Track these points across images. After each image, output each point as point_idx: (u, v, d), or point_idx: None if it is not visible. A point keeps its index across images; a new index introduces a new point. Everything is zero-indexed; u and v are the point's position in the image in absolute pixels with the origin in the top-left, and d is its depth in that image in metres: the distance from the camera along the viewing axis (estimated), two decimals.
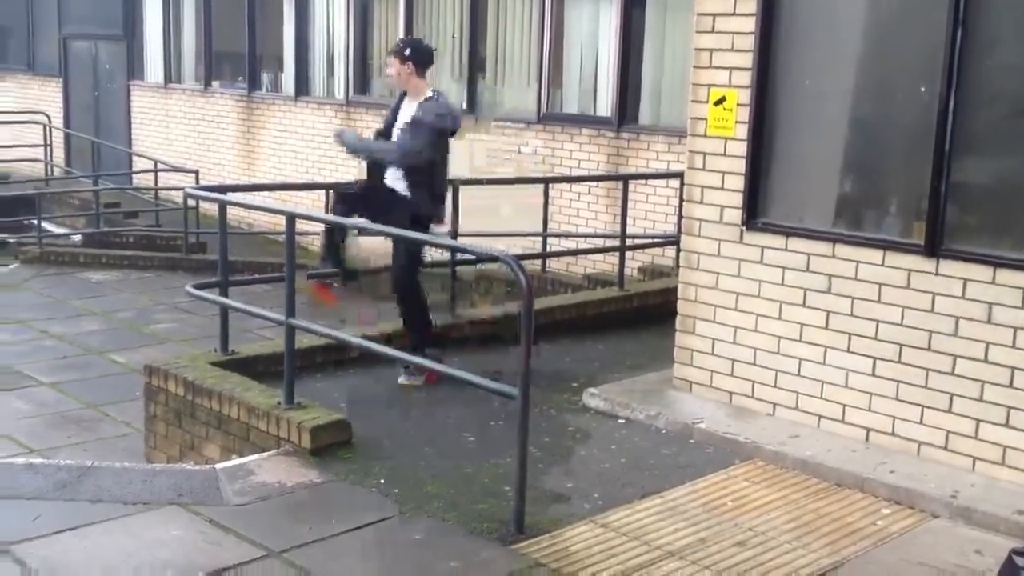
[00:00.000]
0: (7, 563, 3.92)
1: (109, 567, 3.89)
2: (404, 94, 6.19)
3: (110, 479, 4.75)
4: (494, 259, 4.64)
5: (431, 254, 9.40)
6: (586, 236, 10.17)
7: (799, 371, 5.32)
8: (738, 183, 5.49)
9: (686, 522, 4.35)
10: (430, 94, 6.04)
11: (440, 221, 6.30)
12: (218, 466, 4.89)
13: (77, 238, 13.67)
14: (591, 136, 10.68)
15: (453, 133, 6.18)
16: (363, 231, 5.83)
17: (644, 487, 4.70)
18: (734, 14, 5.43)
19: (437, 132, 5.98)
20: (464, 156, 11.67)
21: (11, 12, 19.41)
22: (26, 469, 5.04)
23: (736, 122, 5.47)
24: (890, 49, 5.15)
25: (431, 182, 6.04)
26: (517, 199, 10.78)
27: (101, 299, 10.63)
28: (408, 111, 6.06)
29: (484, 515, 4.36)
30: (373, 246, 6.67)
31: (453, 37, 12.12)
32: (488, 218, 10.65)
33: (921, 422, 4.95)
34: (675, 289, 5.97)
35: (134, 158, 16.10)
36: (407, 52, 6.06)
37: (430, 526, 4.28)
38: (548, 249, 9.79)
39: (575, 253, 9.88)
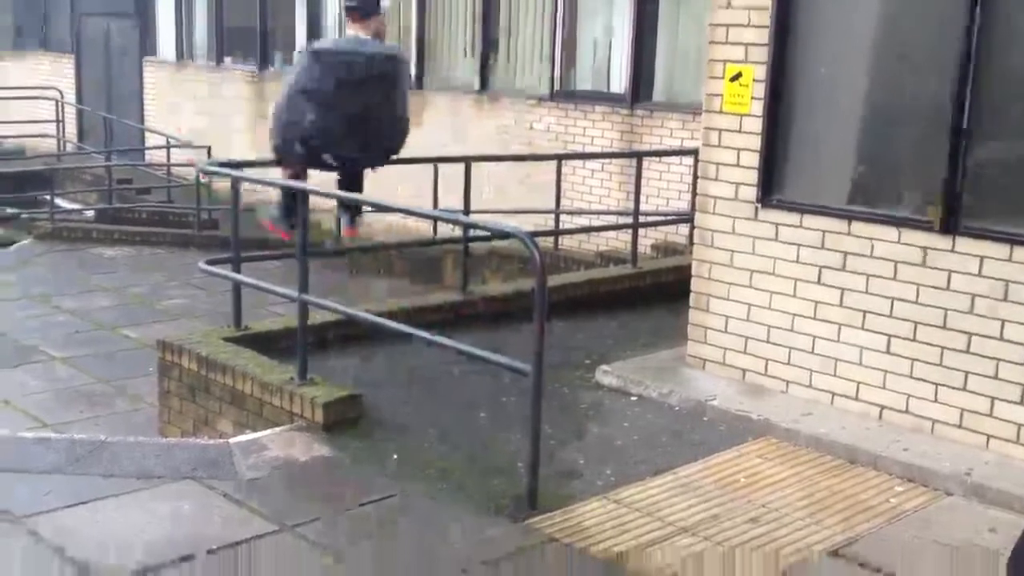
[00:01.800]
0: (22, 535, 3.95)
1: (123, 540, 3.91)
2: None
3: (124, 453, 4.77)
4: (507, 236, 4.63)
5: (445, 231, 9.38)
6: (599, 213, 10.14)
7: (813, 349, 5.30)
8: (753, 160, 5.45)
9: (699, 498, 4.34)
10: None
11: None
12: (232, 441, 4.91)
13: (89, 214, 13.70)
14: (604, 113, 10.62)
15: (355, 77, 6.09)
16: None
17: (657, 464, 4.70)
18: None
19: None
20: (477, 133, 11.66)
21: None
22: (40, 443, 5.06)
23: (752, 98, 5.42)
24: (908, 24, 5.09)
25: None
26: (530, 176, 10.77)
27: (113, 275, 10.66)
28: None
29: (497, 491, 4.36)
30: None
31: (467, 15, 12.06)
32: (499, 195, 10.66)
33: (935, 400, 4.93)
34: (688, 267, 5.94)
35: (146, 134, 16.10)
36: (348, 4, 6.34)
37: (443, 501, 4.29)
38: (561, 226, 9.76)
39: (588, 230, 9.85)
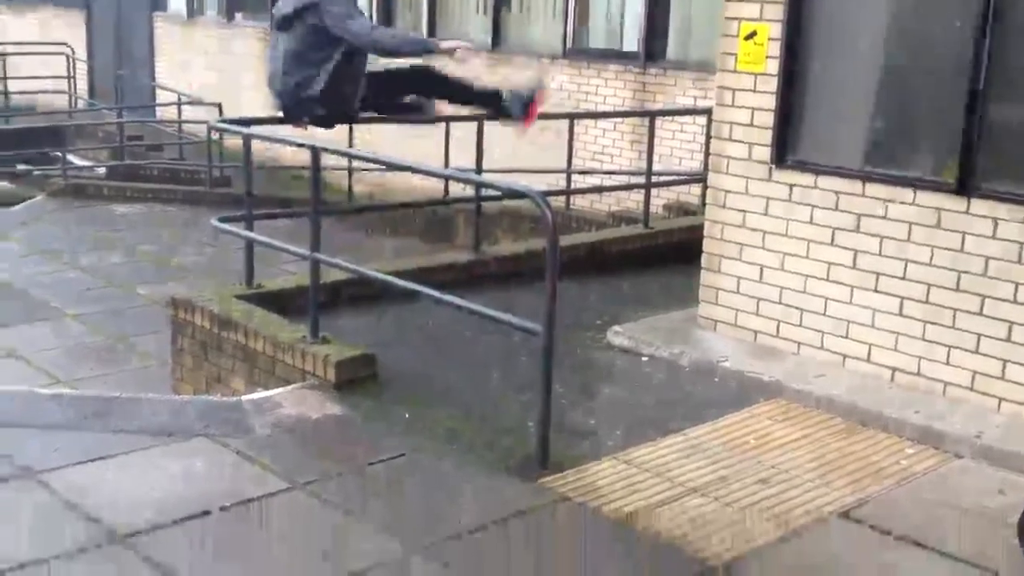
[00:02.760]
0: (36, 489, 3.98)
1: (136, 496, 3.94)
2: None
3: (136, 410, 4.81)
4: (520, 195, 4.61)
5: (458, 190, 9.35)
6: (611, 173, 10.09)
7: (825, 310, 5.28)
8: (768, 120, 5.40)
9: (709, 459, 4.36)
10: None
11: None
12: (244, 398, 4.93)
13: (101, 171, 13.70)
14: (617, 72, 10.54)
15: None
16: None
17: (667, 424, 4.71)
18: None
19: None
20: None
21: None
22: (53, 399, 5.10)
23: (767, 57, 5.37)
24: None
25: None
26: (542, 135, 10.70)
27: (125, 232, 10.69)
28: None
29: (508, 450, 4.38)
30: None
31: None
32: (510, 154, 10.60)
33: (947, 362, 4.92)
34: (701, 227, 5.92)
35: (157, 90, 16.05)
36: None
37: (454, 460, 4.31)
38: (572, 186, 9.72)
39: (600, 190, 9.82)
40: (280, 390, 4.98)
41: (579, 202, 10.19)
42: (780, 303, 5.45)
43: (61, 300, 8.35)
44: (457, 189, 9.74)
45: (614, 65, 10.58)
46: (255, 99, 14.56)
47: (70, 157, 14.28)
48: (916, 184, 4.94)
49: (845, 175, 5.17)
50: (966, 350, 4.85)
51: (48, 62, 16.86)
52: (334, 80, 5.62)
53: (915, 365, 5.02)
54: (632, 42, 10.56)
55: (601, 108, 10.54)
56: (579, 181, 10.05)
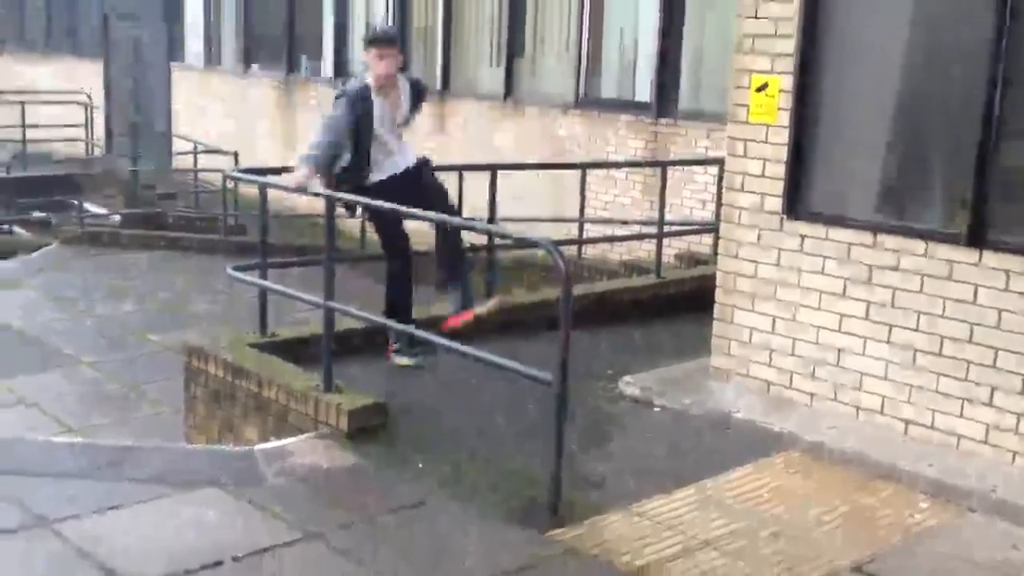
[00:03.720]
0: (50, 539, 3.99)
1: (149, 546, 3.94)
2: (368, 89, 5.73)
3: (150, 459, 4.82)
4: (533, 245, 4.64)
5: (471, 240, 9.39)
6: (623, 222, 10.13)
7: (838, 362, 5.28)
8: (779, 171, 5.44)
9: (721, 512, 4.33)
10: (401, 73, 5.93)
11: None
12: (257, 448, 4.94)
13: (116, 218, 13.82)
14: (629, 122, 10.62)
15: None
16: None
17: (680, 476, 4.69)
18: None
19: None
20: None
21: None
22: (67, 448, 5.13)
23: (778, 109, 5.42)
24: (935, 37, 5.08)
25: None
26: (554, 184, 10.78)
27: (140, 279, 10.75)
28: (406, 100, 5.89)
29: (519, 500, 4.37)
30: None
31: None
32: (522, 203, 10.66)
33: (961, 415, 4.90)
34: (712, 277, 5.93)
35: (174, 139, 16.24)
36: (397, 43, 5.88)
37: (465, 510, 4.30)
38: (584, 235, 9.76)
39: (612, 240, 9.85)
40: (292, 439, 4.99)
41: (590, 251, 10.23)
42: (793, 354, 5.45)
43: (75, 347, 8.40)
44: (470, 237, 9.77)
45: (626, 115, 10.67)
46: (270, 147, 14.77)
47: (86, 205, 14.44)
48: (927, 236, 4.96)
49: (856, 227, 5.19)
50: (980, 403, 4.83)
51: (65, 110, 17.09)
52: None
53: (929, 417, 5.00)
54: (644, 92, 10.66)
55: (613, 158, 10.62)
56: (591, 230, 10.10)
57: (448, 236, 5.98)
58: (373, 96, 5.73)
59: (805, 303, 5.38)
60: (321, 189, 5.64)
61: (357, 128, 5.68)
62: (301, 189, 5.65)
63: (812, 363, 5.38)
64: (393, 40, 5.86)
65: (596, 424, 5.30)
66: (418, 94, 6.01)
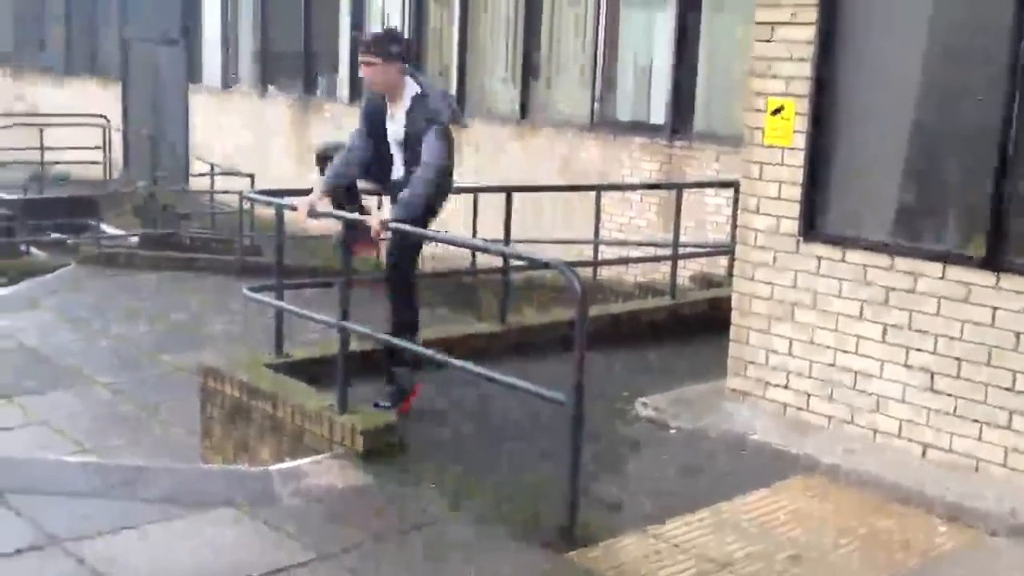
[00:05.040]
0: (65, 559, 3.99)
1: (165, 566, 3.94)
2: (382, 98, 5.41)
3: (165, 479, 4.82)
4: (548, 267, 4.65)
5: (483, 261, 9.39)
6: (638, 244, 10.13)
7: (855, 384, 5.25)
8: (795, 193, 5.44)
9: (739, 535, 4.31)
10: (417, 89, 5.28)
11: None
12: (272, 468, 4.94)
13: (134, 239, 13.89)
14: (644, 144, 10.64)
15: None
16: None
17: (696, 498, 4.66)
18: (793, 23, 5.38)
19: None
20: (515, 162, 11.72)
21: (74, 15, 19.82)
22: (82, 468, 5.14)
23: (794, 132, 5.42)
24: (951, 58, 5.08)
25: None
26: (569, 206, 10.80)
27: (156, 300, 10.78)
28: (402, 118, 5.31)
29: (535, 522, 4.35)
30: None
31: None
32: (537, 224, 10.68)
33: (980, 438, 4.86)
34: (727, 299, 5.92)
35: (191, 160, 16.34)
36: (393, 49, 5.23)
37: (480, 531, 4.29)
38: (599, 257, 9.76)
39: (627, 262, 9.84)
40: (308, 460, 4.99)
41: (605, 273, 10.22)
42: (809, 376, 5.42)
43: (91, 368, 8.42)
44: (484, 257, 9.80)
45: (640, 137, 10.69)
46: (286, 168, 14.85)
47: (103, 226, 14.52)
48: (944, 258, 4.94)
49: (873, 249, 5.18)
50: (999, 426, 4.80)
51: (84, 132, 17.23)
52: None
53: (947, 441, 4.96)
54: (659, 115, 10.68)
55: (627, 180, 10.63)
56: (605, 252, 10.10)
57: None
58: (388, 102, 5.42)
59: (822, 325, 5.36)
60: (323, 209, 5.51)
61: (368, 131, 5.48)
62: (314, 215, 5.50)
63: (829, 385, 5.35)
64: (367, 45, 5.29)
65: (611, 446, 5.28)
66: (425, 114, 5.23)
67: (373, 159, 5.52)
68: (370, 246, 5.86)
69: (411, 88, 5.32)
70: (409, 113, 5.29)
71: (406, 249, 5.55)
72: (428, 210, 5.38)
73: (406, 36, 5.63)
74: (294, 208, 5.59)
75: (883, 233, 5.21)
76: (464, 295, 10.39)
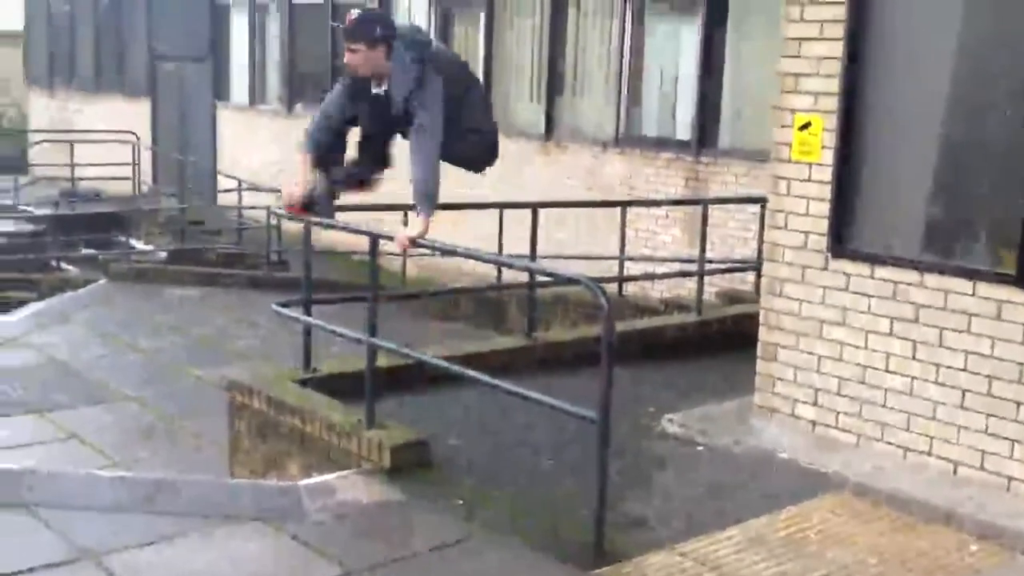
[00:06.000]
0: (94, 571, 4.02)
1: None
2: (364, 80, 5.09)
3: (194, 493, 4.85)
4: (575, 282, 4.65)
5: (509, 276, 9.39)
6: (664, 260, 10.12)
7: (885, 402, 5.21)
8: (823, 209, 5.42)
9: (768, 554, 4.28)
10: (399, 62, 4.95)
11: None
12: (300, 483, 4.95)
13: (163, 255, 14.02)
14: (669, 160, 10.64)
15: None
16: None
17: (724, 516, 4.64)
18: (820, 39, 5.37)
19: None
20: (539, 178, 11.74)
21: (104, 34, 20.07)
22: (111, 481, 5.17)
23: (821, 147, 5.41)
24: (980, 72, 5.05)
25: None
26: (594, 221, 10.80)
27: (185, 315, 10.87)
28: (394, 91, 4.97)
29: (562, 538, 4.35)
30: None
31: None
32: (563, 240, 10.68)
33: (1011, 456, 4.81)
34: (754, 315, 5.90)
35: (219, 177, 16.47)
36: (378, 32, 4.92)
37: (508, 548, 4.28)
38: (624, 273, 9.75)
39: (653, 277, 9.83)
40: (335, 475, 5.00)
41: (631, 289, 10.21)
42: (839, 394, 5.39)
43: (120, 382, 8.49)
44: (509, 273, 9.81)
45: (666, 153, 10.69)
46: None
47: (132, 241, 14.66)
48: (975, 275, 4.90)
49: (902, 265, 5.14)
50: None
51: (114, 148, 17.42)
52: None
53: (978, 459, 4.91)
54: (684, 130, 10.68)
55: (652, 196, 10.62)
56: (631, 268, 10.09)
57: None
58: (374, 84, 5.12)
59: (851, 342, 5.33)
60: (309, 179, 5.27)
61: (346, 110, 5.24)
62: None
63: (858, 403, 5.31)
64: (350, 33, 5.00)
65: (639, 462, 5.27)
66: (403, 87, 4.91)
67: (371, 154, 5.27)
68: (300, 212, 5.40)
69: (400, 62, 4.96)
70: (392, 89, 4.97)
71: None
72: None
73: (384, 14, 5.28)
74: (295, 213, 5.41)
75: (912, 249, 5.18)
76: (490, 311, 10.41)
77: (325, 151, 5.33)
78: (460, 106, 5.08)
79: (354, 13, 5.08)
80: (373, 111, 5.13)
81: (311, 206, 5.38)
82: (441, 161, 5.08)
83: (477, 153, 5.38)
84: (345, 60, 5.08)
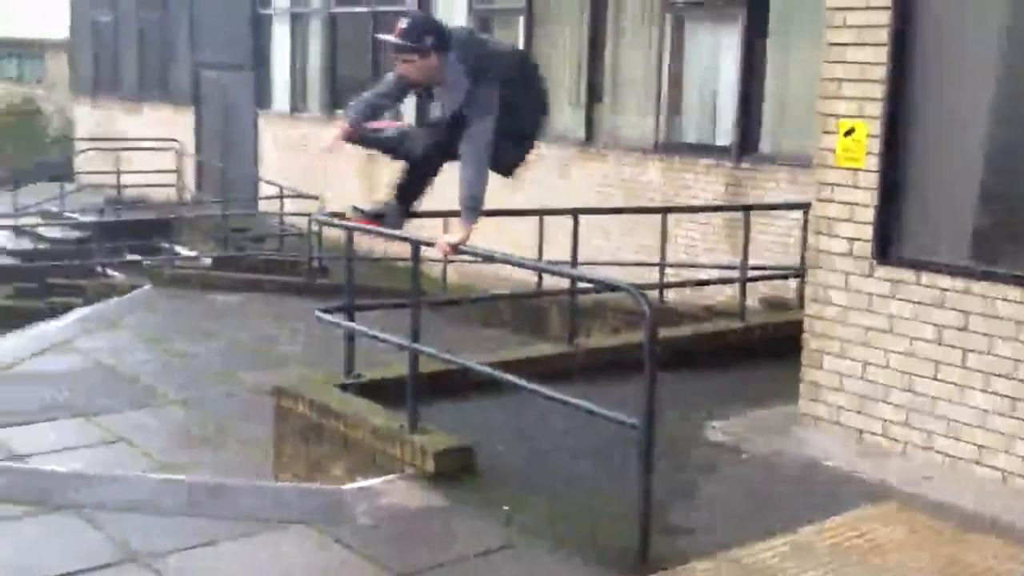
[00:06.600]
0: (146, 574, 4.07)
1: None
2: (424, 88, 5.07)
3: (241, 496, 4.90)
4: (617, 289, 4.65)
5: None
6: (705, 267, 10.07)
7: (933, 410, 5.15)
8: (868, 215, 5.38)
9: (815, 562, 4.24)
10: (452, 73, 4.86)
11: None
12: (344, 487, 4.99)
13: (206, 261, 14.18)
14: (709, 166, 10.60)
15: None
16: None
17: (769, 524, 4.60)
18: (864, 44, 5.34)
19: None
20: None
21: (148, 43, 20.35)
22: (159, 484, 5.24)
23: (866, 153, 5.36)
24: None
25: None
26: (635, 228, 10.78)
27: (228, 320, 10.99)
28: (447, 99, 4.93)
29: (606, 545, 4.34)
30: None
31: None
32: (603, 247, 10.66)
33: None
34: (798, 322, 5.86)
35: (261, 184, 16.63)
36: (428, 40, 4.82)
37: (552, 555, 4.28)
38: (665, 279, 9.71)
39: (695, 284, 9.79)
40: (379, 480, 5.03)
41: (672, 296, 10.17)
42: (885, 401, 5.34)
43: (166, 386, 8.60)
44: (549, 279, 9.82)
45: (706, 159, 10.65)
46: (353, 190, 15.02)
47: (176, 248, 14.85)
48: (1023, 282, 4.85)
49: (949, 272, 5.09)
50: None
51: (157, 156, 17.66)
52: None
53: None
54: (725, 136, 10.63)
55: (692, 202, 10.58)
56: (672, 274, 10.05)
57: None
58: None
59: (898, 350, 5.28)
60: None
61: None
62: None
63: (906, 411, 5.26)
64: (399, 47, 4.90)
65: (683, 470, 5.24)
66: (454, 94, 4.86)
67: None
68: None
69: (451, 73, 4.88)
70: (446, 97, 4.94)
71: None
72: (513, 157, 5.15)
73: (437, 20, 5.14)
74: (353, 221, 5.45)
75: (960, 256, 5.12)
76: (530, 317, 10.42)
77: (409, 180, 5.31)
78: (514, 110, 5.01)
79: (403, 22, 4.96)
80: (431, 126, 5.14)
81: (379, 217, 5.41)
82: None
83: (517, 159, 5.34)
84: (398, 71, 5.03)
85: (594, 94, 11.98)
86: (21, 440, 7.20)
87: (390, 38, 4.91)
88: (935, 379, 5.14)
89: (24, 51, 33.47)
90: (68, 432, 7.51)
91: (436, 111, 5.18)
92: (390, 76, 5.21)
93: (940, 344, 5.12)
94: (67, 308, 11.83)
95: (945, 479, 4.98)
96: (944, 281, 5.10)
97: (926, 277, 5.17)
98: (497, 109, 4.90)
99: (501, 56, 5.11)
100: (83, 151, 19.55)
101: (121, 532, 4.42)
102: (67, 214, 17.00)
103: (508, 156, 5.20)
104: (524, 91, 5.11)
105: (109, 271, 14.13)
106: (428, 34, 4.87)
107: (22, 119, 28.06)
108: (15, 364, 9.10)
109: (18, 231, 16.17)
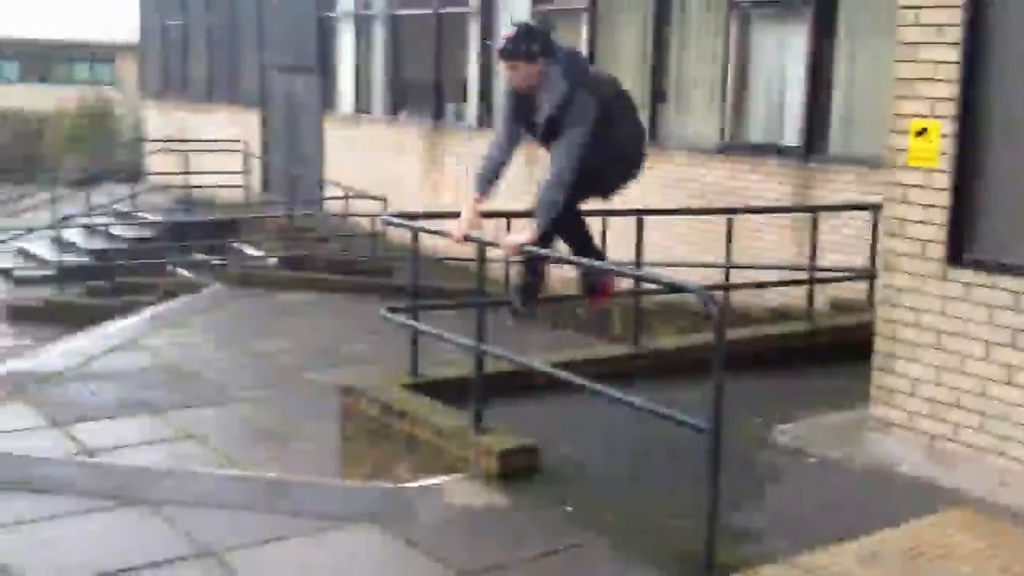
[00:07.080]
0: (217, 569, 4.15)
1: None
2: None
3: (308, 494, 4.97)
4: (684, 290, 4.62)
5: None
6: (772, 268, 9.95)
7: (1008, 416, 5.04)
8: (941, 217, 5.28)
9: (885, 569, 4.17)
10: (553, 75, 4.98)
11: None
12: (410, 485, 5.03)
13: (273, 261, 14.38)
14: (776, 167, 10.47)
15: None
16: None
17: (838, 530, 4.54)
18: (937, 42, 5.24)
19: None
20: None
21: (216, 46, 20.72)
22: (229, 480, 5.34)
23: (939, 153, 5.27)
24: None
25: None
26: (699, 229, 10.70)
27: (295, 320, 11.13)
28: (545, 100, 5.01)
29: (672, 548, 4.32)
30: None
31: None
32: (667, 247, 10.59)
33: None
34: (867, 325, 5.78)
35: (326, 185, 16.83)
36: (534, 47, 4.96)
37: (617, 557, 4.27)
38: (730, 280, 9.62)
39: (762, 285, 9.68)
40: (445, 478, 5.06)
41: (737, 297, 10.06)
42: (959, 407, 5.24)
43: (234, 384, 8.73)
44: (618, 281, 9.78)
45: (772, 160, 10.53)
46: (416, 191, 15.15)
47: (244, 248, 15.09)
48: None
49: None
50: None
51: (225, 157, 17.95)
52: None
53: None
54: (792, 136, 10.50)
55: (758, 203, 10.46)
56: (738, 276, 9.95)
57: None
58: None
59: (971, 353, 5.17)
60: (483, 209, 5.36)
61: (513, 132, 5.29)
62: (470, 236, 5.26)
63: (979, 416, 5.15)
64: (506, 53, 5.03)
65: (750, 474, 5.20)
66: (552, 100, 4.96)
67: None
68: (609, 298, 5.76)
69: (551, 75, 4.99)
70: (545, 102, 5.02)
71: (544, 239, 5.27)
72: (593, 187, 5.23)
73: (542, 26, 5.21)
74: (449, 234, 5.42)
75: None
76: (594, 318, 10.40)
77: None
78: (610, 131, 5.08)
79: (512, 29, 5.08)
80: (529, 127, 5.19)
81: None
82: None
83: (612, 180, 5.37)
84: (507, 80, 5.18)
85: (658, 94, 11.92)
86: (94, 436, 7.36)
87: (499, 42, 5.10)
88: (1009, 384, 5.03)
89: (95, 55, 34.34)
90: (140, 428, 7.66)
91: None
92: (500, 129, 5.31)
93: (1015, 348, 5.01)
94: (137, 307, 12.07)
95: (1020, 486, 4.86)
96: (1019, 284, 4.99)
97: (1001, 280, 5.07)
98: (592, 121, 4.97)
99: (601, 78, 5.25)
100: (153, 152, 19.95)
101: (192, 527, 4.51)
102: (138, 214, 17.38)
103: (612, 181, 5.33)
104: (623, 116, 5.21)
105: (179, 270, 14.40)
106: (535, 41, 5.01)
107: (95, 121, 28.78)
108: (87, 362, 9.31)
109: (91, 230, 16.59)
